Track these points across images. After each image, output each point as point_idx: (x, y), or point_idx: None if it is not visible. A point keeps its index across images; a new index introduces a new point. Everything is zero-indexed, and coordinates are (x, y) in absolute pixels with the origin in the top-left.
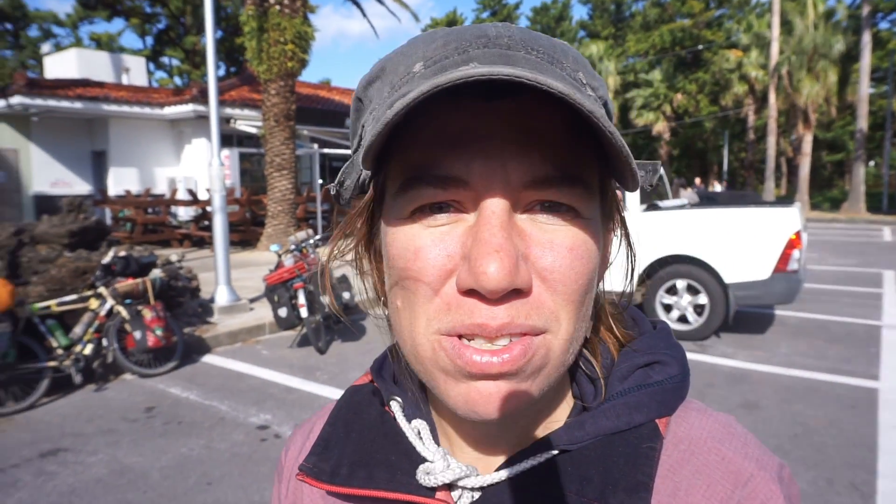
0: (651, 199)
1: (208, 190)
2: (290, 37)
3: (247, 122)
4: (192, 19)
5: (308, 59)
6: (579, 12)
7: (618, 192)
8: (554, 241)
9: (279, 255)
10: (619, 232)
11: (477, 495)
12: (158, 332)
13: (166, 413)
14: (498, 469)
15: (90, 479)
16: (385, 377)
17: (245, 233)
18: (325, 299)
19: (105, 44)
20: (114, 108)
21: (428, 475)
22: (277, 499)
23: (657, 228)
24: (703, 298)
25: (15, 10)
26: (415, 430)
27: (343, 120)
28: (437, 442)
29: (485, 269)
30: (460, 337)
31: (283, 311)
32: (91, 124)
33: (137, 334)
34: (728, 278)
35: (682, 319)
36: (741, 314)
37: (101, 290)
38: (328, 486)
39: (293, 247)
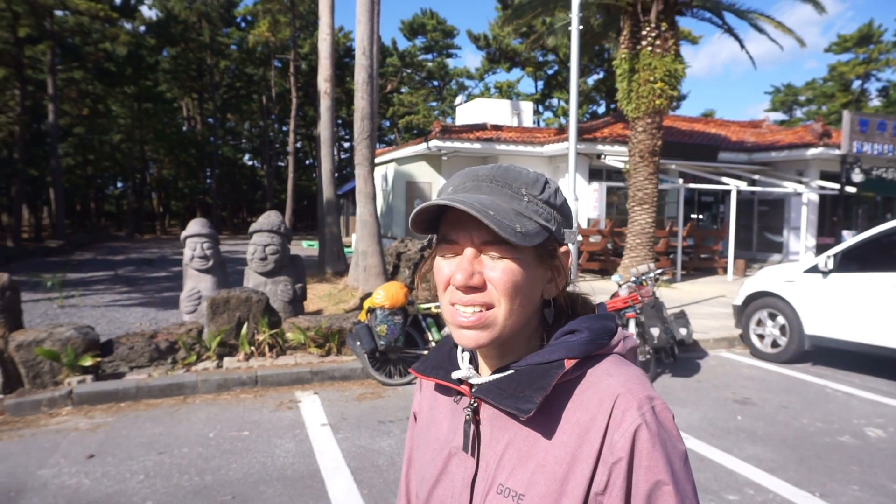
0: None
1: None
2: (659, 75)
3: (616, 157)
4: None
5: (676, 96)
6: None
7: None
8: (495, 267)
9: (618, 286)
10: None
11: (476, 388)
12: None
13: None
14: (488, 376)
15: None
16: None
17: (605, 262)
18: (656, 331)
19: (504, 90)
20: (503, 147)
21: (454, 373)
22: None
23: None
24: None
25: (440, 70)
26: (461, 355)
27: (716, 154)
28: (473, 363)
29: (454, 275)
30: (453, 305)
31: None
32: (485, 161)
33: None
34: None
35: None
36: None
37: None
38: (419, 375)
39: (633, 278)
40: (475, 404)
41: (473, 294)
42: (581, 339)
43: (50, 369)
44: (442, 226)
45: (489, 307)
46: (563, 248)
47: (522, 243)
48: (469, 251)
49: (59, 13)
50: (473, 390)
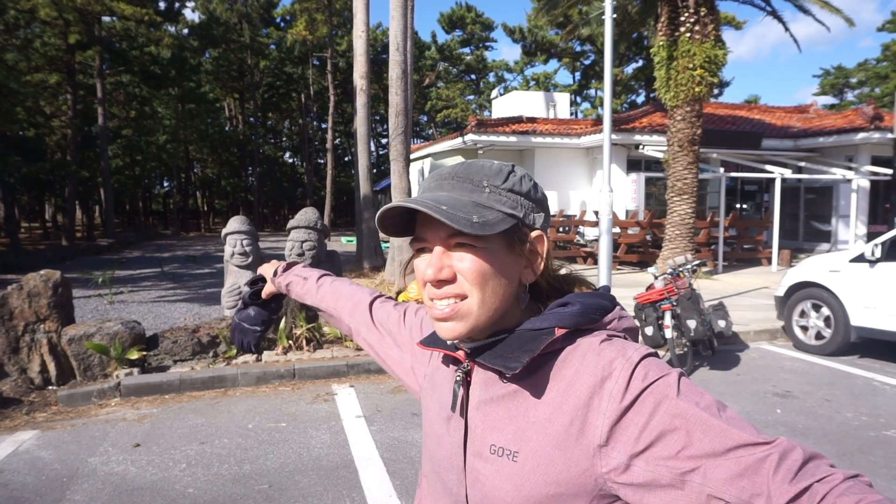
0: None
1: (596, 212)
2: (698, 62)
3: (655, 147)
4: (615, 52)
5: (717, 83)
6: None
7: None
8: (463, 258)
9: (654, 277)
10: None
11: (469, 351)
12: None
13: None
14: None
15: None
16: None
17: (644, 254)
18: (693, 324)
19: (542, 82)
20: (539, 139)
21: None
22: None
23: None
24: None
25: (478, 63)
26: None
27: (760, 141)
28: None
29: (425, 271)
30: (431, 300)
31: (649, 330)
32: (522, 154)
33: None
34: None
35: None
36: None
37: None
38: (423, 346)
39: (670, 270)
40: (468, 367)
41: (445, 287)
42: (573, 310)
43: (99, 362)
44: (416, 226)
45: (462, 298)
46: (535, 234)
47: (480, 233)
48: (438, 247)
49: (106, 19)
50: (467, 353)
